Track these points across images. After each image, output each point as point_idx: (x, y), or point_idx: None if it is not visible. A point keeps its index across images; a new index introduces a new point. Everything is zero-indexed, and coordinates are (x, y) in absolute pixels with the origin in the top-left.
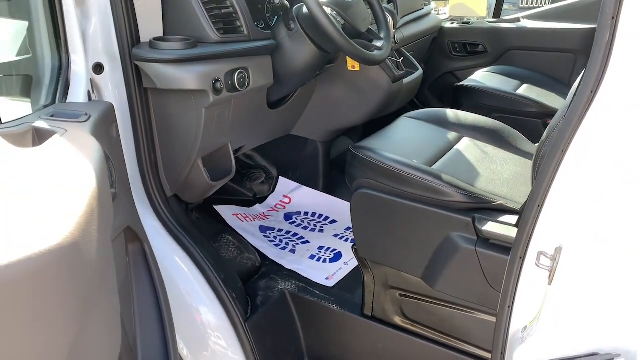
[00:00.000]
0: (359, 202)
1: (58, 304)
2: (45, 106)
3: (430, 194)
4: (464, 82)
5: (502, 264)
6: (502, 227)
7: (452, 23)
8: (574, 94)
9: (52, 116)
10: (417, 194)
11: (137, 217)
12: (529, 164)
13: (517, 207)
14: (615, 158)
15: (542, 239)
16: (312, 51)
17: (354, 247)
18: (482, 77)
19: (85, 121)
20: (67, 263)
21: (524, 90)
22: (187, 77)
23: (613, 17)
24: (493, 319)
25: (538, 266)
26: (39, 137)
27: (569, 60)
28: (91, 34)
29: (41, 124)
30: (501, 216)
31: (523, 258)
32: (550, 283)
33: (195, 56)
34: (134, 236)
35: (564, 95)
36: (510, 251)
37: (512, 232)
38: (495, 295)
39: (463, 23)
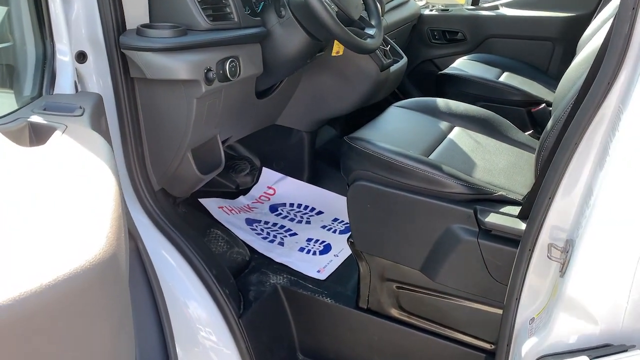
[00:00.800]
0: (356, 194)
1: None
2: (33, 98)
3: (430, 186)
4: (447, 71)
5: (504, 256)
6: (504, 219)
7: (431, 10)
8: (583, 86)
9: (45, 110)
10: (417, 186)
11: (129, 214)
12: (522, 153)
13: (517, 197)
14: (632, 150)
15: (552, 231)
16: (304, 39)
17: (350, 239)
18: (463, 65)
19: (81, 115)
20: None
21: (505, 78)
22: (179, 67)
23: (633, 8)
24: (493, 310)
25: (550, 258)
26: (37, 133)
27: (547, 48)
28: (73, 20)
29: (37, 119)
30: (502, 207)
31: (532, 250)
32: (562, 275)
33: (187, 44)
34: (128, 234)
35: (544, 83)
36: (518, 243)
37: (515, 224)
38: (496, 287)
39: (442, 10)
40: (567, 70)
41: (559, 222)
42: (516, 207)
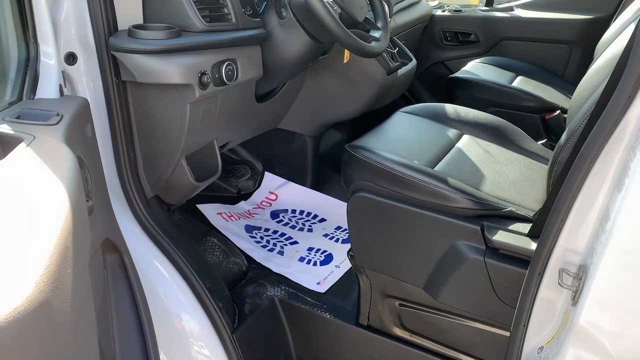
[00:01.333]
0: (356, 206)
1: None
2: (11, 103)
3: (434, 199)
4: (458, 74)
5: (512, 276)
6: (513, 237)
7: (444, 11)
8: (602, 97)
9: (18, 117)
10: (421, 199)
11: (116, 226)
12: (534, 164)
13: (527, 213)
14: None
15: (564, 254)
16: (305, 41)
17: (350, 253)
18: (475, 69)
19: (57, 123)
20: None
21: (519, 82)
22: (172, 70)
23: None
24: (499, 332)
25: (561, 285)
26: (3, 145)
27: (564, 51)
28: (63, 21)
29: (5, 128)
30: (511, 224)
31: (542, 274)
32: (574, 304)
33: (180, 46)
34: (113, 247)
35: (560, 88)
36: (527, 264)
37: (525, 243)
38: (503, 309)
39: (455, 11)
40: (584, 77)
41: (571, 245)
42: (526, 224)
